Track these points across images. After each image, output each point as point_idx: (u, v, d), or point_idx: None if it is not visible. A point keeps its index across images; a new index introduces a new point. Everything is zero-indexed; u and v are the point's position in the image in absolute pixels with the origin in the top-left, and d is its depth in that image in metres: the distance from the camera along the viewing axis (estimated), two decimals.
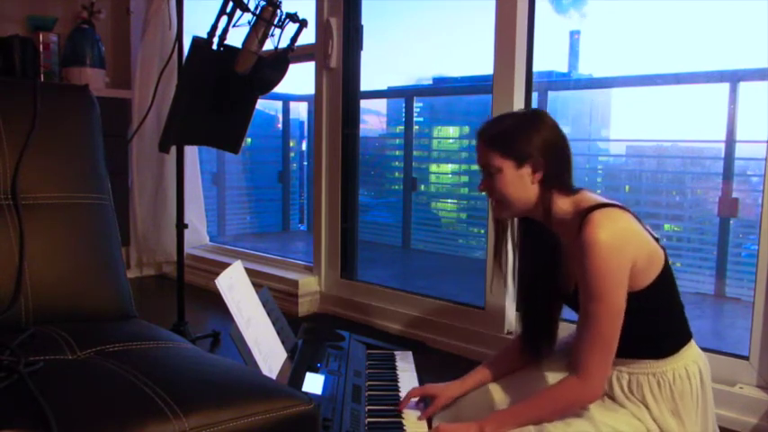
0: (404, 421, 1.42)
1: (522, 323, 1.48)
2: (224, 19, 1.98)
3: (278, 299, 2.82)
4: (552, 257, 1.38)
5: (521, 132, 1.29)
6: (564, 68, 4.04)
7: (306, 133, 5.40)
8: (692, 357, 1.31)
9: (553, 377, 1.41)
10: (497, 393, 1.46)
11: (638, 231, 1.26)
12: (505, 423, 1.27)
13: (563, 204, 1.31)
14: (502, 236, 1.44)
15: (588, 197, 1.30)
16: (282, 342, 1.58)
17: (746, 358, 1.83)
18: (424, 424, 1.42)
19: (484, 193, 1.38)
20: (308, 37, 2.64)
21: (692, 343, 1.34)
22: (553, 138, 1.30)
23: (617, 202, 1.29)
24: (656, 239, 1.29)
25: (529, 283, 1.44)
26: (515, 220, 1.44)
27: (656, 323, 1.30)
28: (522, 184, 1.30)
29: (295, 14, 2.03)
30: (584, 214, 1.24)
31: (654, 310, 1.28)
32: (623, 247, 1.21)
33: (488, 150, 1.31)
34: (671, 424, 1.27)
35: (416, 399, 1.49)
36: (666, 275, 1.29)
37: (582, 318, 1.25)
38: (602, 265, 1.19)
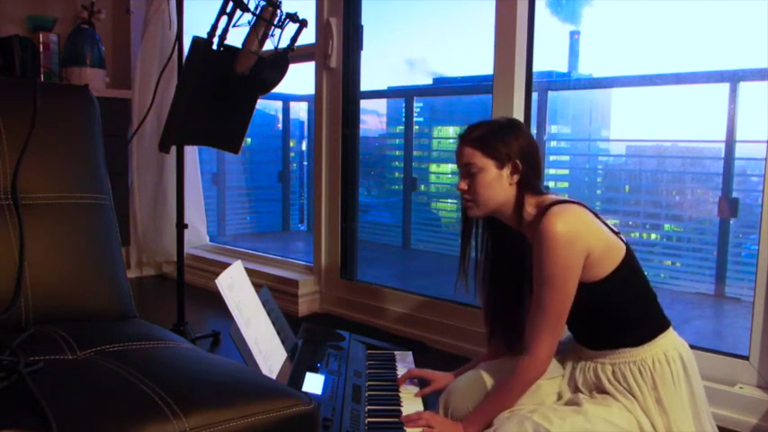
0: (401, 393, 1.59)
1: (489, 320, 1.56)
2: (224, 19, 1.98)
3: (278, 299, 2.82)
4: (518, 255, 1.48)
5: (502, 136, 1.42)
6: (564, 68, 4.03)
7: (306, 133, 5.39)
8: (671, 344, 1.36)
9: None
10: (489, 381, 1.49)
11: (594, 224, 1.35)
12: (482, 421, 1.40)
13: (529, 206, 1.41)
14: (468, 238, 1.55)
15: (551, 197, 1.40)
16: (282, 342, 1.58)
17: (746, 358, 1.83)
18: (420, 400, 1.59)
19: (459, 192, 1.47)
20: (308, 37, 2.64)
21: (671, 331, 1.38)
22: (529, 145, 1.44)
23: (576, 200, 1.39)
24: (617, 233, 1.38)
25: (495, 281, 1.54)
26: (480, 221, 1.53)
27: (625, 311, 1.37)
28: (499, 184, 1.41)
29: (295, 14, 2.03)
30: (545, 210, 1.34)
31: (619, 299, 1.36)
32: (577, 238, 1.30)
33: (472, 150, 1.42)
34: (654, 414, 1.30)
35: (413, 378, 1.67)
36: (628, 265, 1.36)
37: (533, 302, 1.35)
38: (555, 253, 1.29)
